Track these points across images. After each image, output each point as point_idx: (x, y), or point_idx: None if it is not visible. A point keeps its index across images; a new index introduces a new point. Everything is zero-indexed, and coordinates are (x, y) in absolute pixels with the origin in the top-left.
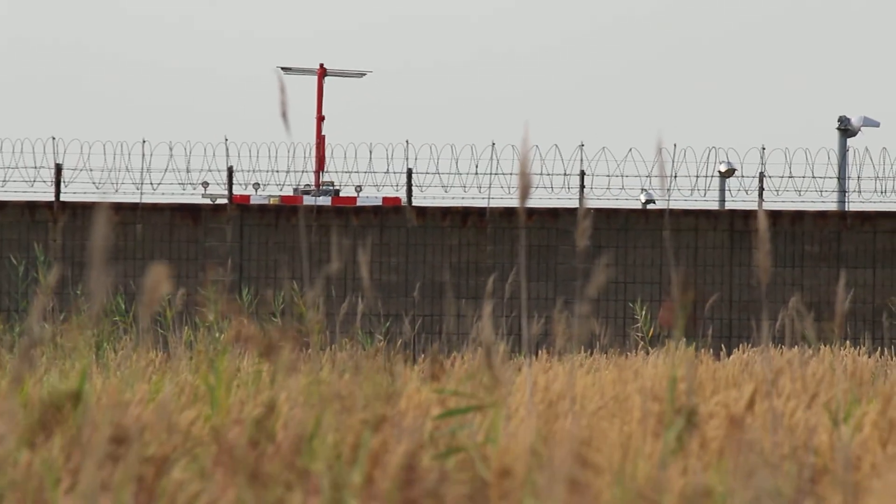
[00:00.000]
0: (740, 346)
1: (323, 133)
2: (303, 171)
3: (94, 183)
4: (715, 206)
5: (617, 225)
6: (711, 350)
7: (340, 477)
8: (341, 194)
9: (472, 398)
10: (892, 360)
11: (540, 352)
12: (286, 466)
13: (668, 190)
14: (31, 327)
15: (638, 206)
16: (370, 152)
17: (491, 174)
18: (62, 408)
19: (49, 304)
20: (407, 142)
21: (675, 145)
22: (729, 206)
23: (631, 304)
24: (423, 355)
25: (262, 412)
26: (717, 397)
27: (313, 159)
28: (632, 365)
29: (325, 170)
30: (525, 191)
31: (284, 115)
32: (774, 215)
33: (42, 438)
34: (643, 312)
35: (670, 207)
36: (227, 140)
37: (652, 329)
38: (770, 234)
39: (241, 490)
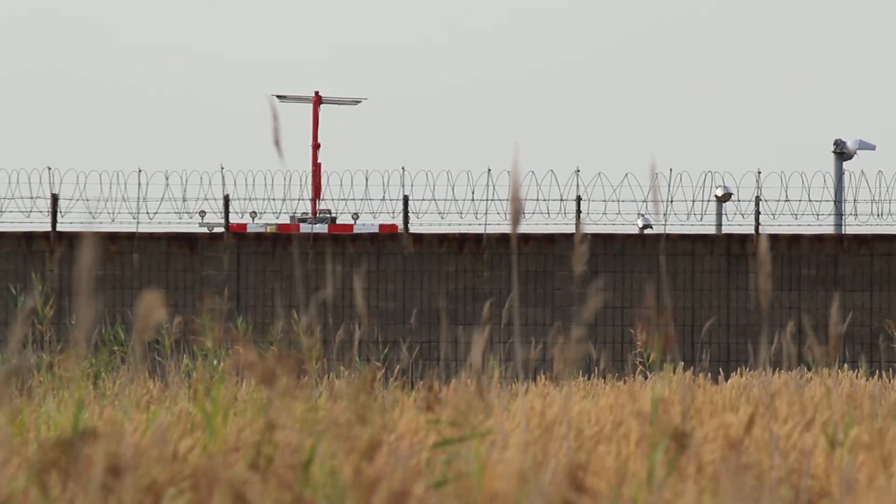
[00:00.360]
0: (738, 369)
1: (319, 161)
2: (299, 199)
3: (90, 212)
4: (712, 230)
5: (614, 250)
6: (709, 374)
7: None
8: (338, 222)
9: (466, 428)
10: (889, 382)
11: (537, 377)
12: (282, 493)
13: (665, 214)
14: (11, 355)
15: (635, 230)
16: (366, 179)
17: (487, 200)
18: (72, 445)
19: (46, 334)
20: (403, 168)
21: (671, 170)
22: (725, 230)
23: (630, 330)
24: (420, 381)
25: (259, 437)
26: (714, 420)
27: (309, 187)
28: (629, 389)
29: (322, 197)
30: (517, 216)
31: (277, 142)
32: (771, 239)
33: (52, 477)
34: (641, 338)
35: (667, 232)
36: (223, 168)
37: (651, 354)
38: (768, 257)
39: None
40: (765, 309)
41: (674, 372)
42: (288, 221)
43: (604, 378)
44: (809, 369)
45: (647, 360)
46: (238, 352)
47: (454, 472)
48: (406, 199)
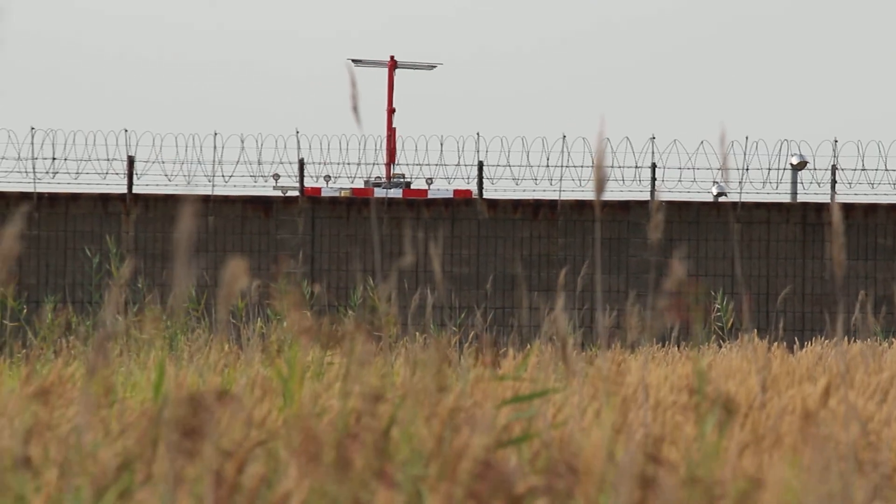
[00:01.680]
0: (813, 339)
1: (394, 125)
2: (374, 164)
3: (166, 175)
4: (787, 199)
5: (689, 218)
6: (785, 343)
7: (417, 471)
8: (412, 187)
9: (542, 386)
10: None
11: (612, 345)
12: (368, 460)
13: (740, 182)
14: (106, 320)
15: (709, 198)
16: (441, 145)
17: (562, 167)
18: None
19: (122, 296)
20: (478, 134)
21: (746, 138)
22: (801, 198)
23: (704, 297)
24: (494, 347)
25: (367, 405)
26: (791, 391)
27: (384, 152)
28: (706, 358)
29: (396, 162)
30: (601, 183)
31: (355, 108)
32: (847, 208)
33: (113, 420)
34: (719, 305)
35: (742, 200)
36: (298, 133)
37: (731, 321)
38: (843, 227)
39: (326, 482)
40: (839, 279)
41: (744, 341)
42: (362, 186)
43: (678, 346)
44: (885, 339)
45: (725, 328)
46: (294, 318)
47: (532, 431)
48: (480, 165)
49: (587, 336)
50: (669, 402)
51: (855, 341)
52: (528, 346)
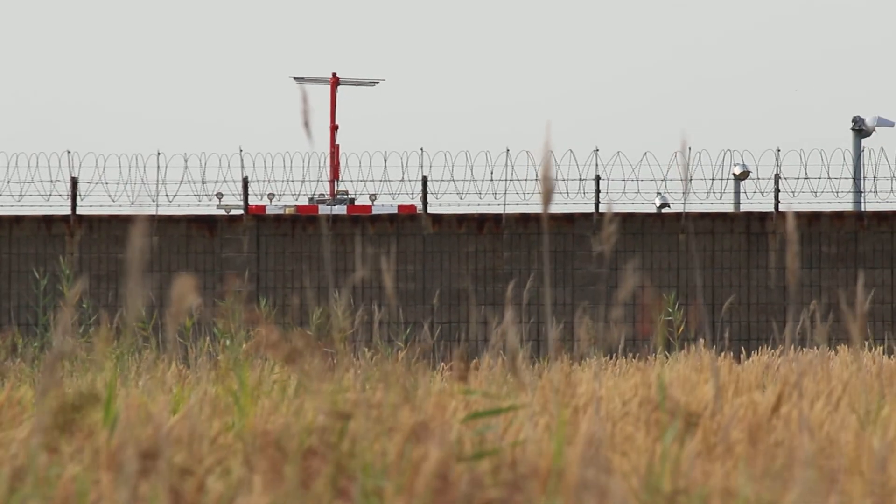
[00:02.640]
0: (759, 348)
1: (337, 142)
2: (318, 181)
3: (110, 196)
4: (730, 209)
5: (633, 229)
6: (731, 353)
7: (375, 485)
8: (356, 203)
9: (502, 400)
10: None
11: (560, 357)
12: (328, 475)
13: (685, 193)
14: (57, 340)
15: (653, 210)
16: (385, 160)
17: (506, 180)
18: (82, 409)
19: (72, 317)
20: (421, 149)
21: (689, 148)
22: (744, 208)
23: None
24: (443, 363)
25: (330, 422)
26: (739, 399)
27: (328, 169)
28: (655, 369)
29: (340, 179)
30: (548, 196)
31: (307, 124)
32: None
33: (63, 441)
34: (661, 316)
35: (686, 211)
36: (241, 151)
37: (681, 328)
38: (786, 235)
39: (288, 497)
40: (793, 287)
41: (692, 351)
42: (307, 203)
43: (625, 357)
44: (830, 348)
45: (673, 338)
46: (261, 333)
47: (489, 447)
48: (425, 180)
49: (535, 349)
50: (620, 413)
51: (803, 350)
52: (476, 360)
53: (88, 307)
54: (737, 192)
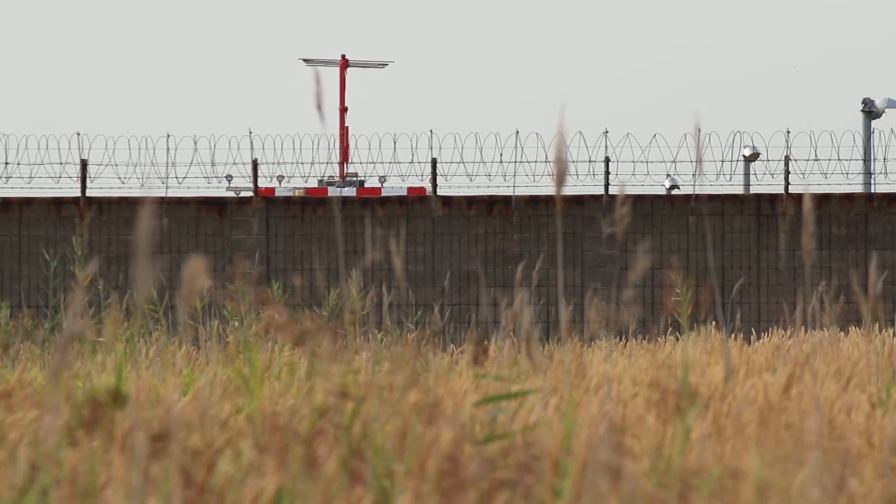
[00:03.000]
0: (770, 330)
1: (346, 124)
2: (327, 163)
3: (119, 178)
4: (740, 190)
5: (643, 211)
6: (742, 334)
7: (386, 467)
8: (366, 185)
9: (513, 383)
10: None
11: (570, 338)
12: (339, 457)
13: (696, 175)
14: (69, 322)
15: (663, 191)
16: (394, 142)
17: (516, 162)
18: (103, 405)
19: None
20: (431, 131)
21: (699, 130)
22: (754, 190)
23: (660, 291)
24: (452, 345)
25: (340, 403)
26: (751, 381)
27: (337, 151)
28: (664, 351)
29: (350, 161)
30: (561, 177)
31: (319, 106)
32: (801, 198)
33: (83, 435)
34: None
35: (696, 193)
36: (251, 133)
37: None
38: (796, 217)
39: (295, 480)
40: (808, 268)
41: (703, 332)
42: (316, 185)
43: (635, 339)
44: (840, 329)
45: (686, 319)
46: (271, 315)
47: (501, 430)
48: (434, 162)
49: (545, 331)
50: (631, 395)
51: (813, 331)
52: (488, 343)
53: (100, 289)
54: (747, 174)
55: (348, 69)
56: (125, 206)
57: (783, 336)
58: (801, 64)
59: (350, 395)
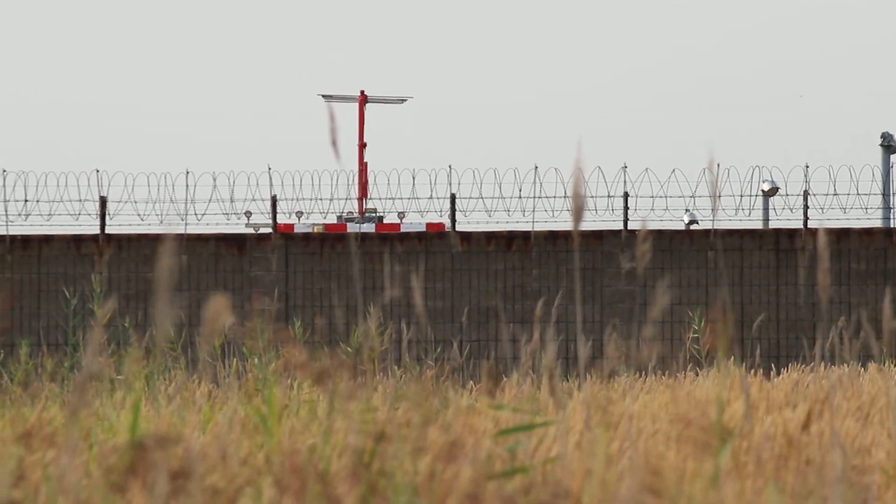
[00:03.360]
0: (789, 365)
1: (365, 160)
2: (346, 199)
3: (138, 215)
4: (759, 225)
5: (662, 246)
6: (761, 370)
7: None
8: (385, 221)
9: (534, 415)
10: None
11: (590, 374)
12: (359, 495)
13: (714, 210)
14: (88, 361)
15: (681, 226)
16: (413, 178)
17: (535, 197)
18: (150, 451)
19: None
20: (450, 167)
21: (718, 165)
22: (773, 224)
23: (679, 326)
24: (472, 381)
25: (360, 442)
26: (770, 417)
27: (356, 187)
28: (684, 387)
29: (369, 197)
30: (579, 212)
31: (335, 142)
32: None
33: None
34: (690, 334)
35: (715, 228)
36: (270, 169)
37: (706, 349)
38: (815, 252)
39: None
40: (824, 304)
41: (723, 368)
42: (335, 221)
43: (654, 375)
44: (860, 365)
45: (700, 356)
46: (291, 352)
47: (520, 464)
48: (453, 198)
49: (564, 367)
50: (651, 431)
51: (832, 367)
52: (506, 378)
53: (118, 327)
54: (765, 209)
55: (367, 105)
56: (144, 243)
57: (802, 371)
58: (822, 99)
59: (373, 433)
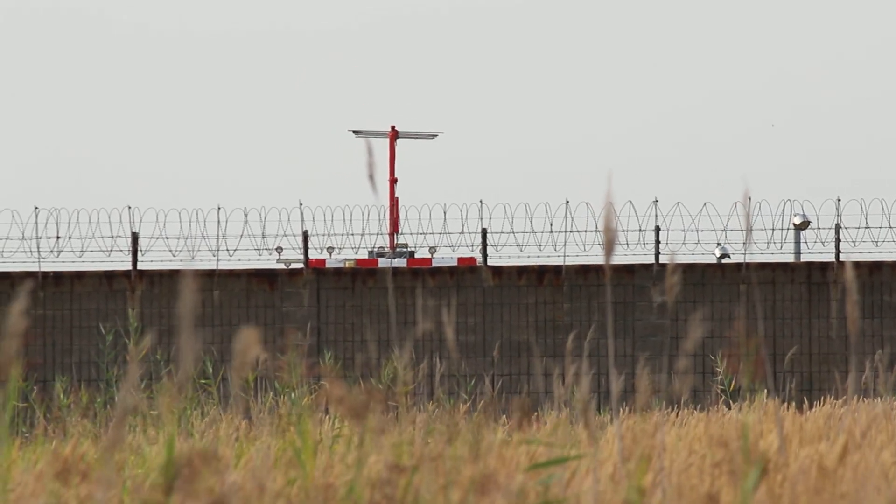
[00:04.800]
0: (822, 398)
1: (396, 195)
2: (377, 234)
3: (170, 251)
4: (790, 258)
5: (694, 280)
6: (794, 403)
7: None
8: (416, 256)
9: (567, 448)
10: None
11: (622, 408)
12: None
13: (745, 243)
14: (122, 397)
15: (713, 260)
16: (444, 213)
17: (566, 232)
18: (197, 469)
19: (140, 372)
20: (481, 202)
21: (749, 198)
22: (805, 258)
23: (711, 358)
24: (504, 415)
25: (393, 475)
26: (805, 450)
27: (387, 222)
28: (717, 420)
29: (400, 232)
30: (611, 246)
31: (372, 177)
32: (852, 266)
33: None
34: (724, 366)
35: (747, 261)
36: (301, 205)
37: (733, 382)
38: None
39: None
40: (854, 337)
41: (756, 401)
42: (366, 256)
43: (686, 408)
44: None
45: (729, 390)
46: (327, 387)
47: (552, 498)
48: (484, 232)
49: (596, 401)
50: (685, 465)
51: (866, 400)
52: (539, 413)
53: (151, 362)
54: (797, 242)
55: (398, 140)
56: (176, 279)
57: (835, 405)
58: (852, 131)
59: (403, 467)
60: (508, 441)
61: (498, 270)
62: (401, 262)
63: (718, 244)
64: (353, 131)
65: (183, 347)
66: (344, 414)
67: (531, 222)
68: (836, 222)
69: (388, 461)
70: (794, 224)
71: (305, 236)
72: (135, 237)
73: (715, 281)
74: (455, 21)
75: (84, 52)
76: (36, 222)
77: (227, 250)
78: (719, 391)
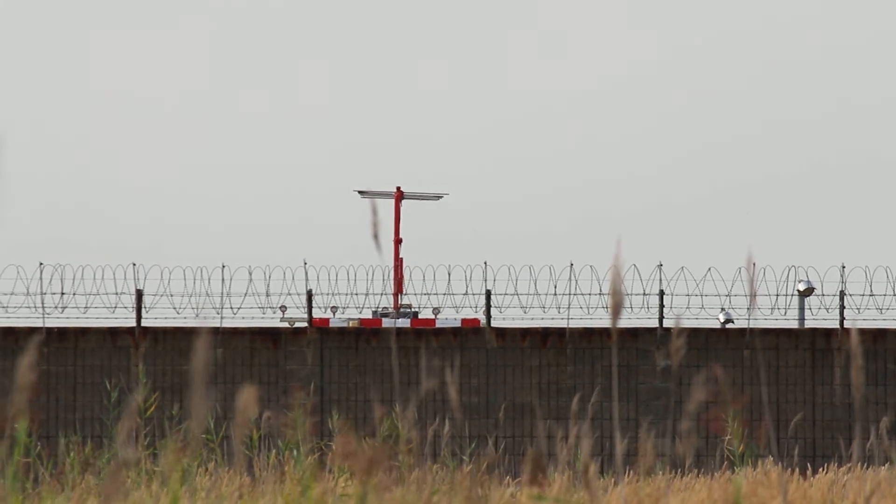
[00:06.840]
0: (826, 465)
1: (401, 255)
2: (381, 294)
3: (174, 308)
4: (795, 324)
5: (698, 344)
6: (798, 469)
7: None
8: (420, 316)
9: None
10: None
11: (626, 472)
12: None
13: (750, 309)
14: (121, 450)
15: (717, 325)
16: (448, 274)
17: (570, 294)
18: None
19: (136, 428)
20: (485, 263)
21: (753, 264)
22: (809, 324)
23: (715, 424)
24: (508, 477)
25: None
26: None
27: (392, 282)
28: (720, 486)
29: (404, 292)
30: (617, 309)
31: (376, 236)
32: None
33: None
34: (733, 417)
35: (751, 327)
36: (305, 264)
37: (741, 446)
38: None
39: None
40: (858, 402)
41: (756, 466)
42: (370, 316)
43: (690, 472)
44: None
45: (735, 455)
46: (337, 443)
47: None
48: (488, 294)
49: (600, 464)
50: None
51: (869, 467)
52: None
53: (154, 419)
54: (801, 308)
55: (403, 201)
56: (180, 336)
57: (838, 471)
58: (857, 198)
59: None
60: (515, 499)
61: (501, 332)
62: (404, 323)
63: (722, 309)
64: (359, 191)
65: (195, 404)
66: (353, 468)
67: (535, 284)
68: (840, 289)
69: None
70: (799, 290)
71: (309, 295)
72: (139, 294)
73: (719, 346)
74: (460, 85)
75: (87, 99)
76: (41, 278)
77: (231, 308)
78: (726, 455)
